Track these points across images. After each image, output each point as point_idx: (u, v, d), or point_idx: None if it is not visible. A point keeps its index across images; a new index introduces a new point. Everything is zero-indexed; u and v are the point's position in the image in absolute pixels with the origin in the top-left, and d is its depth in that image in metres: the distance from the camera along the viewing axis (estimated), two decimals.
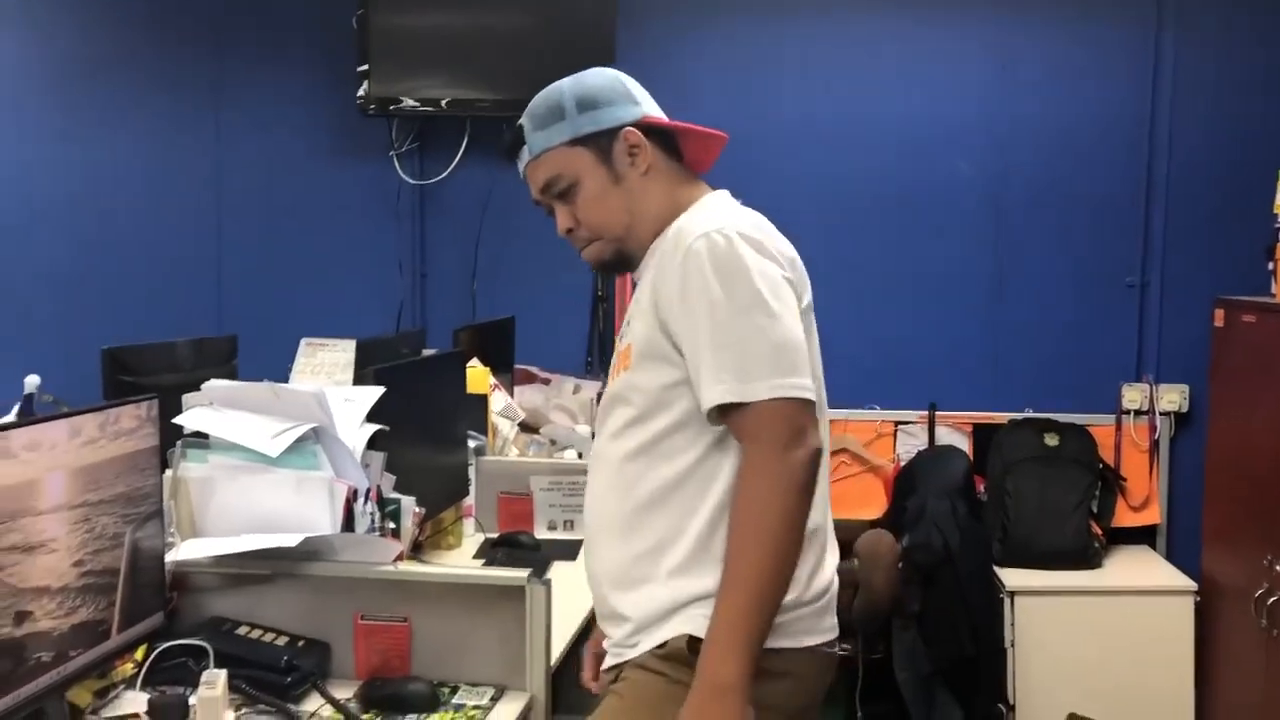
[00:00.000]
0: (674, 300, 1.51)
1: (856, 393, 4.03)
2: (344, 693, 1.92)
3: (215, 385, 2.15)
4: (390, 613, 1.99)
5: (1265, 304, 3.22)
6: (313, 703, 1.87)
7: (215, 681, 1.71)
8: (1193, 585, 3.52)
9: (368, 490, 2.11)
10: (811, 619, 1.56)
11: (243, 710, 1.78)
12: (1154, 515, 3.92)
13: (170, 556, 1.91)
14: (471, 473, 2.96)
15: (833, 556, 1.65)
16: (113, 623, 1.68)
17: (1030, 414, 3.92)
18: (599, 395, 2.99)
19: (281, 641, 1.94)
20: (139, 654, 1.84)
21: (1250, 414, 3.23)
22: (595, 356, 4.24)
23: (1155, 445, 3.91)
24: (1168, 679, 3.48)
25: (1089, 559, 3.65)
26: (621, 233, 1.64)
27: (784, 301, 1.50)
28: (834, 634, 1.63)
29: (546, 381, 4.02)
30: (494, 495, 3.04)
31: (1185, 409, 3.90)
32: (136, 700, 1.78)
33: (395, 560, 2.02)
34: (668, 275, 1.53)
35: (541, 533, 2.98)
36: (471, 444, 2.96)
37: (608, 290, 4.20)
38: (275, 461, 2.03)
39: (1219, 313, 3.46)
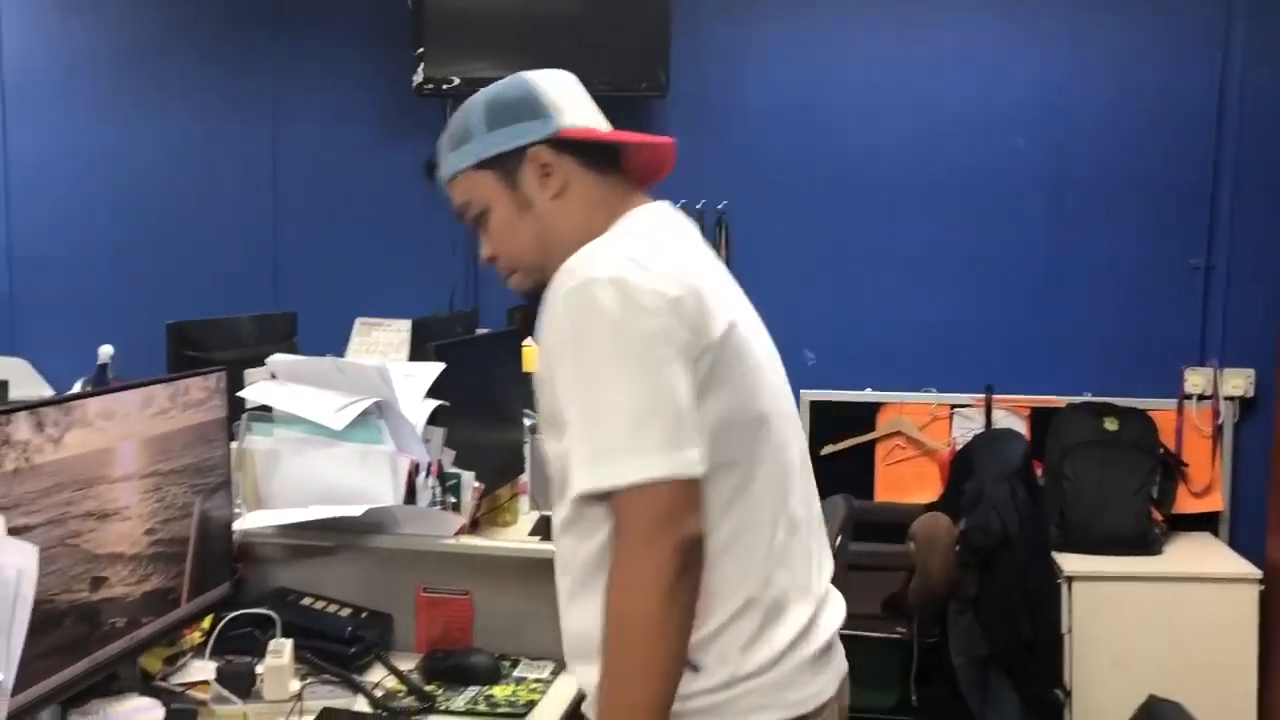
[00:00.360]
0: (545, 362, 1.36)
1: (912, 375, 4.00)
2: (406, 664, 1.93)
3: (280, 359, 2.17)
4: (452, 585, 2.00)
5: None
6: (376, 673, 1.89)
7: (282, 650, 1.73)
8: (1257, 573, 3.45)
9: (429, 465, 2.12)
10: (765, 693, 1.34)
11: (308, 679, 1.80)
12: (1216, 502, 3.85)
13: (236, 527, 1.93)
14: (526, 451, 2.97)
15: (799, 613, 1.39)
16: (182, 591, 1.71)
17: (1089, 398, 3.86)
18: None
19: (345, 613, 1.96)
20: (205, 623, 1.86)
21: None
22: None
23: (1218, 431, 3.84)
24: (1229, 668, 3.42)
25: (1149, 545, 3.60)
26: (535, 263, 1.45)
27: (654, 359, 1.26)
28: (820, 696, 1.39)
29: None
30: (548, 474, 3.04)
31: (1251, 394, 3.82)
32: (204, 668, 1.81)
33: (457, 534, 2.03)
34: (543, 330, 1.35)
35: None
36: (526, 422, 2.97)
37: None
38: (339, 435, 2.04)
39: None
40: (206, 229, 4.44)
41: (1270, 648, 3.42)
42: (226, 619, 1.73)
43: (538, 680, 1.88)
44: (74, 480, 1.44)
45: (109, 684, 1.62)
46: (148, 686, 1.70)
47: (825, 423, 4.03)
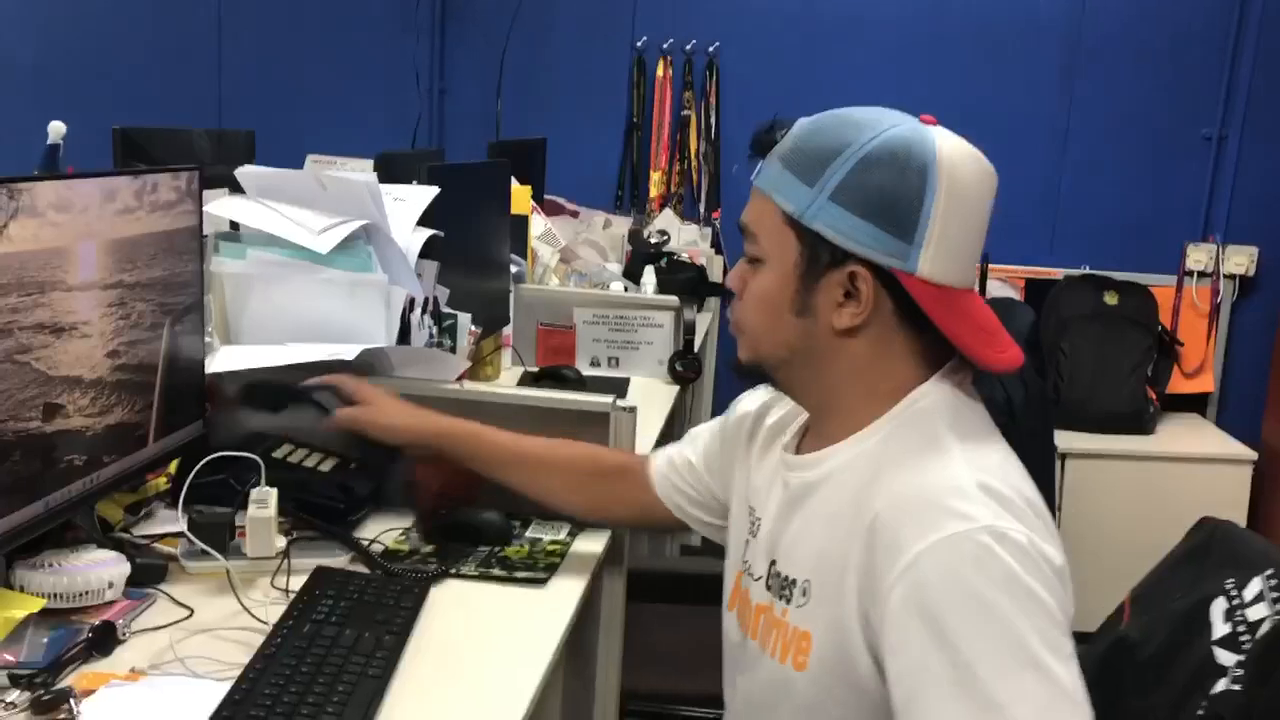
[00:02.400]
0: (898, 614, 1.01)
1: None
2: (402, 522, 1.70)
3: (250, 170, 1.87)
4: None
5: None
6: (368, 530, 1.66)
7: (267, 500, 1.48)
8: (1252, 455, 3.36)
9: (426, 301, 1.86)
10: None
11: (294, 535, 1.56)
12: (1207, 383, 3.75)
13: (208, 367, 1.65)
14: (511, 300, 2.71)
15: None
16: (149, 428, 1.44)
17: (1088, 270, 3.69)
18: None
19: (329, 464, 1.72)
20: (171, 468, 1.60)
21: None
22: (626, 190, 3.96)
23: (1215, 310, 3.71)
24: None
25: (1143, 424, 3.49)
26: (773, 362, 1.20)
27: (1063, 651, 0.98)
28: None
29: (575, 214, 3.75)
30: (533, 326, 2.80)
31: (1252, 273, 3.69)
32: (171, 519, 1.56)
33: (459, 379, 1.79)
34: (885, 567, 1.03)
35: (584, 369, 2.75)
36: (513, 269, 2.70)
37: (644, 118, 3.89)
38: (323, 260, 1.77)
39: None
40: (138, 35, 3.99)
41: (1258, 529, 3.35)
42: (205, 461, 1.48)
43: (554, 542, 1.66)
44: (21, 282, 1.15)
45: (63, 532, 1.36)
46: (107, 538, 1.45)
47: None
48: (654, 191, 3.88)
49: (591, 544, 1.67)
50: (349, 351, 1.65)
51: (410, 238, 1.91)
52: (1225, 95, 3.65)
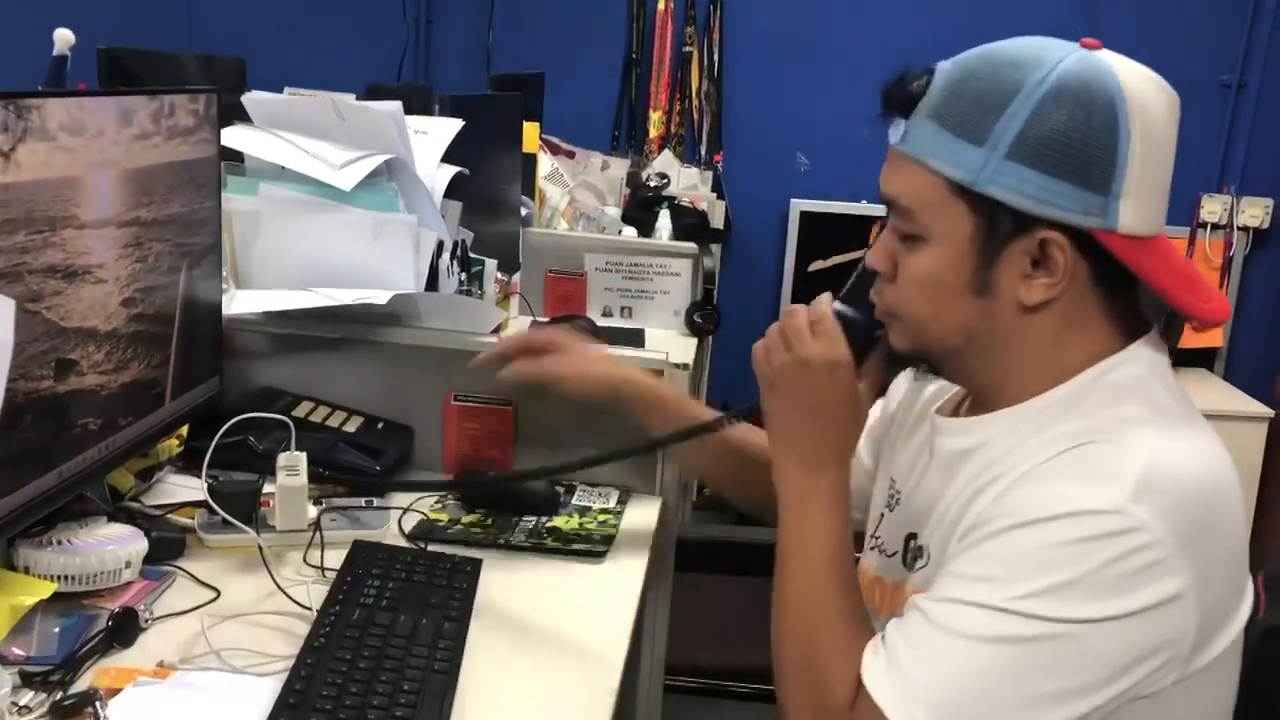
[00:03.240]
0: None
1: None
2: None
3: (259, 97, 1.68)
4: (490, 393, 1.60)
5: None
6: (397, 498, 1.51)
7: (297, 466, 1.32)
8: (1268, 411, 3.29)
9: (455, 245, 1.69)
10: None
11: (323, 504, 1.40)
12: (1217, 338, 3.67)
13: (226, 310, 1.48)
14: (520, 245, 2.54)
15: None
16: (166, 386, 1.28)
17: None
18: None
19: (355, 424, 1.56)
20: (183, 429, 1.44)
21: None
22: (623, 131, 3.78)
23: (1228, 263, 3.63)
24: None
25: None
26: (944, 350, 1.03)
27: (1062, 677, 0.89)
28: None
29: (571, 155, 3.56)
30: (541, 273, 2.63)
31: (1266, 225, 3.60)
32: (184, 486, 1.40)
33: (495, 331, 1.63)
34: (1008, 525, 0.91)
35: (595, 319, 2.60)
36: (523, 211, 2.53)
37: (643, 54, 3.70)
38: (345, 198, 1.60)
39: None
40: None
41: (1270, 487, 3.30)
42: (232, 423, 1.31)
43: (604, 511, 1.52)
44: (30, 217, 0.98)
45: (71, 503, 1.20)
46: (118, 509, 1.28)
47: (813, 236, 3.68)
48: (653, 132, 3.71)
49: (644, 513, 1.53)
50: (380, 296, 1.48)
51: (435, 174, 1.74)
52: (1246, 41, 3.54)
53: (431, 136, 1.77)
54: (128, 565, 1.17)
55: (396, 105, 1.66)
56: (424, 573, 1.25)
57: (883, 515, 1.16)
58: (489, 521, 1.46)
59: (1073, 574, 0.86)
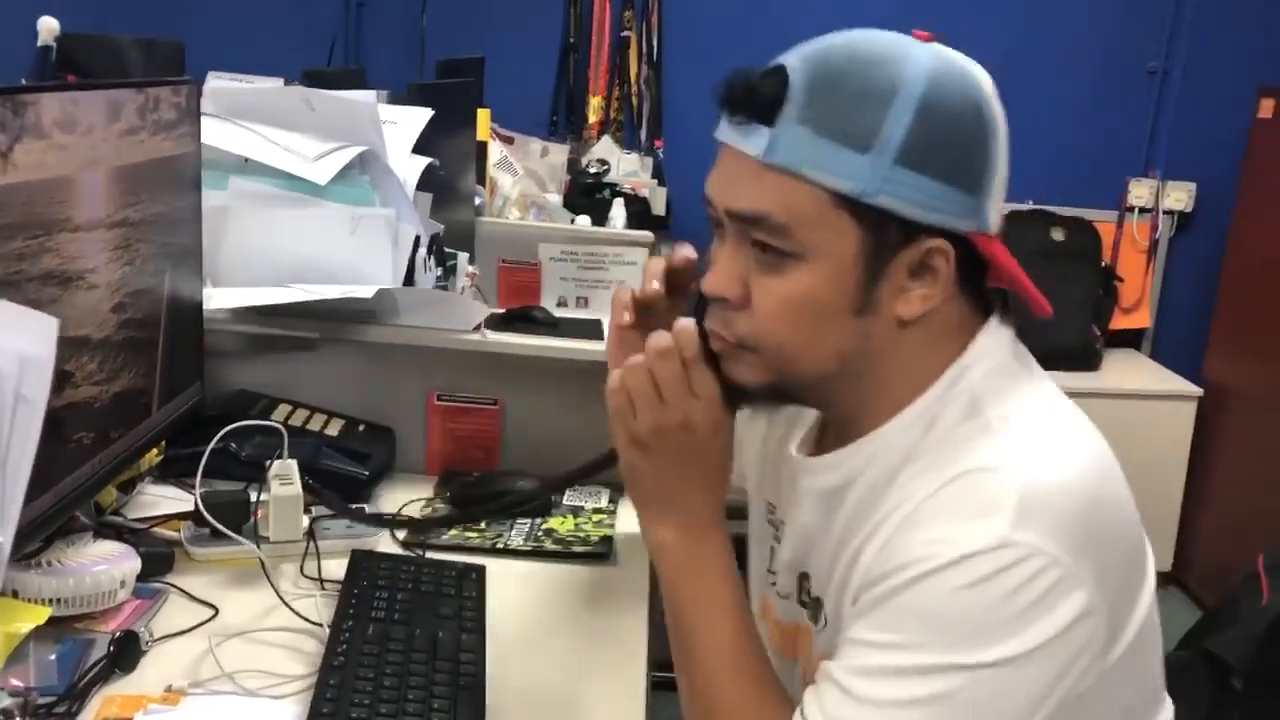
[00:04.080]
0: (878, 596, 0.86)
1: None
2: (420, 490, 1.51)
3: (222, 85, 1.61)
4: (476, 392, 1.56)
5: None
6: (384, 503, 1.46)
7: (290, 474, 1.27)
8: (1197, 390, 3.39)
9: (432, 238, 1.65)
10: None
11: (314, 513, 1.34)
12: (1144, 319, 3.77)
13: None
14: (475, 234, 2.49)
15: None
16: (153, 394, 1.21)
17: (1033, 205, 3.65)
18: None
19: (336, 427, 1.51)
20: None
21: None
22: (562, 116, 3.72)
23: (1154, 245, 3.72)
24: (1158, 484, 3.39)
25: (1090, 360, 3.49)
26: (812, 379, 0.93)
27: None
28: None
29: (510, 141, 3.50)
30: (494, 263, 2.58)
31: (1190, 209, 3.70)
32: (168, 498, 1.33)
33: (477, 328, 1.59)
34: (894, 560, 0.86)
35: (551, 309, 2.56)
36: (477, 200, 2.48)
37: (581, 38, 3.65)
38: (317, 192, 1.54)
39: (1266, 103, 3.21)
40: None
41: (1199, 464, 3.40)
42: (225, 431, 1.25)
43: (598, 510, 1.50)
44: (27, 221, 0.91)
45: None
46: (102, 524, 1.22)
47: None
48: (592, 118, 3.66)
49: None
50: (365, 291, 1.43)
51: (406, 166, 1.68)
52: (1170, 29, 3.62)
53: (401, 127, 1.71)
54: (122, 585, 1.11)
55: (371, 95, 1.60)
56: (430, 582, 1.22)
57: (773, 548, 1.07)
58: (482, 526, 1.42)
59: (980, 618, 0.82)
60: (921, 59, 0.88)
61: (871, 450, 0.93)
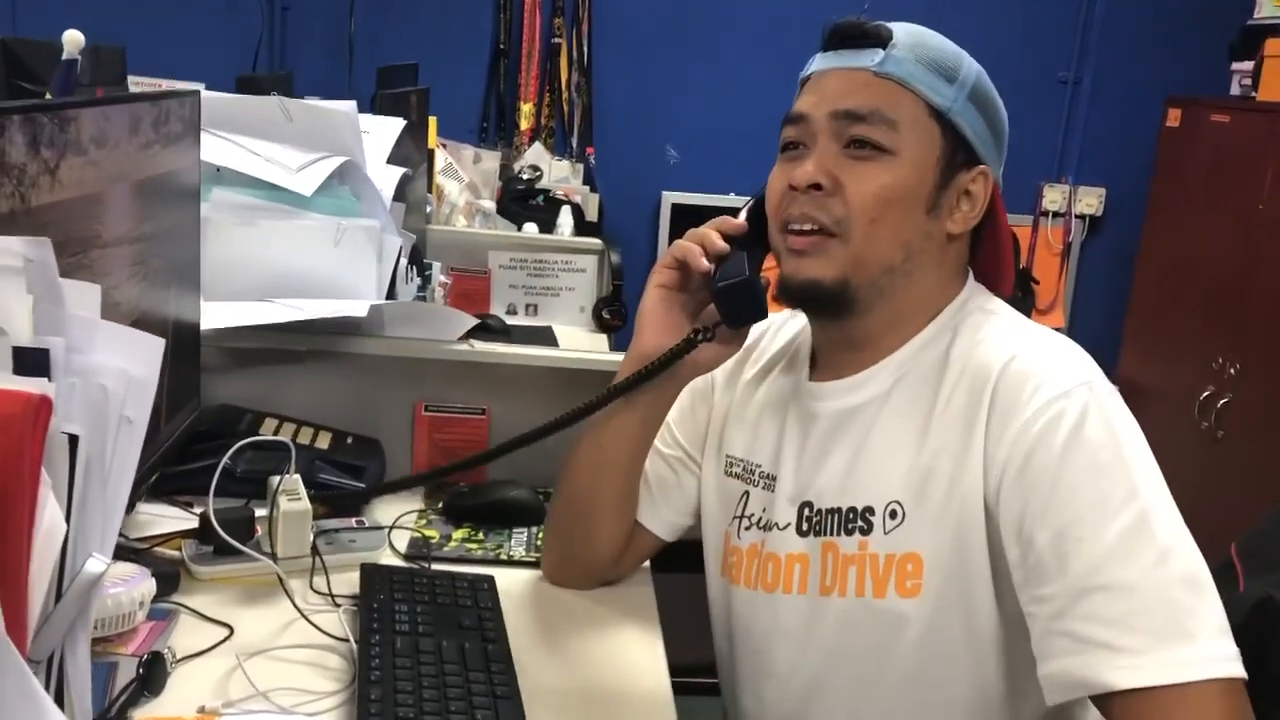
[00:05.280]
0: (1035, 484, 0.98)
1: (758, 182, 3.74)
2: (410, 502, 1.51)
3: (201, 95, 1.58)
4: (464, 402, 1.57)
5: (1241, 103, 3.13)
6: (378, 514, 1.46)
7: (297, 490, 1.26)
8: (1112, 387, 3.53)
9: (413, 249, 1.64)
10: None
11: (316, 528, 1.33)
12: (1059, 319, 3.92)
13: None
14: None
15: None
16: (162, 411, 1.19)
17: None
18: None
19: (326, 440, 1.49)
20: None
21: (1209, 216, 3.19)
22: (492, 123, 3.71)
23: (1067, 248, 3.88)
24: None
25: None
26: (880, 269, 1.07)
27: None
28: None
29: (441, 147, 3.49)
30: (443, 268, 2.57)
31: (1100, 213, 3.87)
32: (167, 516, 1.31)
33: (464, 338, 1.59)
34: (1008, 439, 1.00)
35: (501, 316, 2.56)
36: (427, 209, 2.47)
37: (512, 44, 3.65)
38: (303, 203, 1.52)
39: (1173, 112, 3.37)
40: None
41: None
42: (235, 448, 1.23)
43: None
44: (69, 239, 0.90)
45: None
46: None
47: (685, 227, 3.71)
48: (524, 124, 3.66)
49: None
50: (358, 308, 1.43)
51: (384, 176, 1.68)
52: (1079, 39, 3.78)
53: (375, 136, 1.70)
54: (140, 606, 1.09)
55: (351, 105, 1.59)
56: (445, 594, 1.22)
57: (747, 494, 1.18)
58: (480, 535, 1.43)
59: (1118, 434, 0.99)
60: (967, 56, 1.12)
61: (889, 370, 1.10)
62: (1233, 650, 0.93)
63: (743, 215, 1.18)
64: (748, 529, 1.18)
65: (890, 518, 1.07)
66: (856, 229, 1.05)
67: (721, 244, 1.15)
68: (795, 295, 1.10)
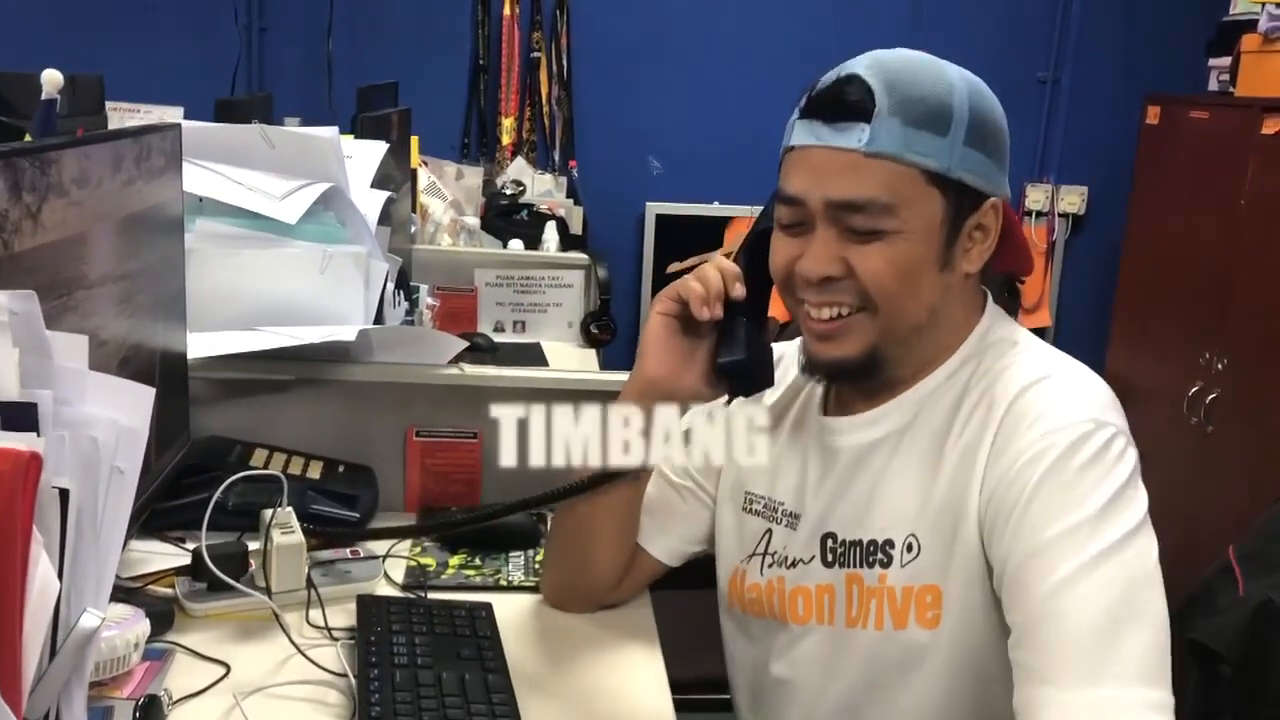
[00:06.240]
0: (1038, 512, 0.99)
1: (764, 188, 3.73)
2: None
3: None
4: (455, 426, 1.56)
5: (1219, 99, 3.15)
6: (373, 545, 1.44)
7: (290, 523, 1.25)
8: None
9: (400, 271, 1.63)
10: None
11: (310, 560, 1.32)
12: (1045, 318, 3.93)
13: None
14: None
15: None
16: (152, 447, 1.17)
17: None
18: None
19: (317, 469, 1.48)
20: None
21: (1191, 212, 3.20)
22: (474, 138, 3.71)
23: (1051, 247, 3.89)
24: None
25: None
26: (906, 331, 1.08)
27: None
28: None
29: (423, 164, 3.48)
30: (429, 290, 2.56)
31: (1082, 211, 3.88)
32: (156, 552, 1.30)
33: (454, 361, 1.58)
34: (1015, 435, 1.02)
35: (489, 334, 2.55)
36: (412, 228, 2.46)
37: (491, 60, 3.64)
38: (287, 231, 1.51)
39: (1152, 110, 3.38)
40: None
41: None
42: (228, 483, 1.22)
43: None
44: (53, 282, 0.89)
45: None
46: None
47: (669, 237, 3.73)
48: (505, 139, 3.65)
49: None
50: (347, 333, 1.41)
51: (368, 200, 1.67)
52: (1058, 39, 3.79)
53: (358, 160, 1.69)
54: (135, 648, 1.08)
55: (333, 130, 1.58)
56: (443, 623, 1.21)
57: (770, 531, 1.18)
58: (477, 561, 1.42)
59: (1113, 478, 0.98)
60: (946, 63, 1.08)
61: (918, 399, 1.10)
62: (1158, 697, 0.92)
63: (739, 287, 1.14)
64: (770, 566, 1.18)
65: (908, 550, 1.08)
66: (883, 301, 1.06)
67: (720, 314, 1.13)
68: (823, 372, 1.13)
